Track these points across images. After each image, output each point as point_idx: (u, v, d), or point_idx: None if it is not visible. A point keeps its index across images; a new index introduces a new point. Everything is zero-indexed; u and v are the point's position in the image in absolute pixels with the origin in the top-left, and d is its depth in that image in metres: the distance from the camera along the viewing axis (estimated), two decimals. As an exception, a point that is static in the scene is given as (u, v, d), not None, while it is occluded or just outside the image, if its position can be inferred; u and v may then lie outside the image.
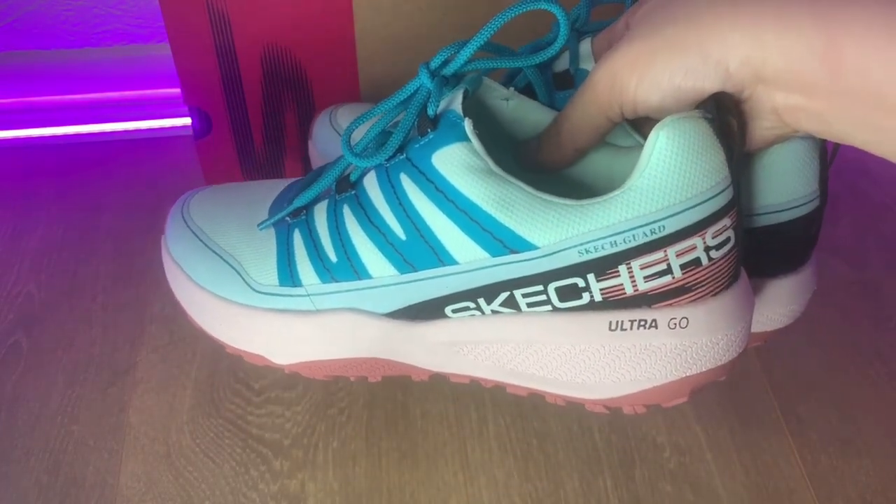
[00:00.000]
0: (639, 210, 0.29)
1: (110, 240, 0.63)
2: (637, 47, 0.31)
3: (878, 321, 0.58)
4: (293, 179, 0.44)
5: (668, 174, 0.29)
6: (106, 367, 0.55)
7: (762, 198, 0.36)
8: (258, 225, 0.39)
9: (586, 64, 0.39)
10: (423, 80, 0.34)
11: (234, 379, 0.54)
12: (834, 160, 0.40)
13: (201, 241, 0.41)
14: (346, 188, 0.36)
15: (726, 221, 0.31)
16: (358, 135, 0.45)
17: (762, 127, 0.31)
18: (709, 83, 0.29)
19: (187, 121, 0.68)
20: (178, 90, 0.52)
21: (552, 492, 0.48)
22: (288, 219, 0.39)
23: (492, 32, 0.33)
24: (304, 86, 0.51)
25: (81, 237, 0.63)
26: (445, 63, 0.34)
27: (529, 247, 0.31)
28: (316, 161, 0.52)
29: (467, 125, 0.32)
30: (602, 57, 0.33)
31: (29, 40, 0.70)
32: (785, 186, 0.37)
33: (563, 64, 0.40)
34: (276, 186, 0.44)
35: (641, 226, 0.30)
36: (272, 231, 0.39)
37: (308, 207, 0.38)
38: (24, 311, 0.58)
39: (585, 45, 0.39)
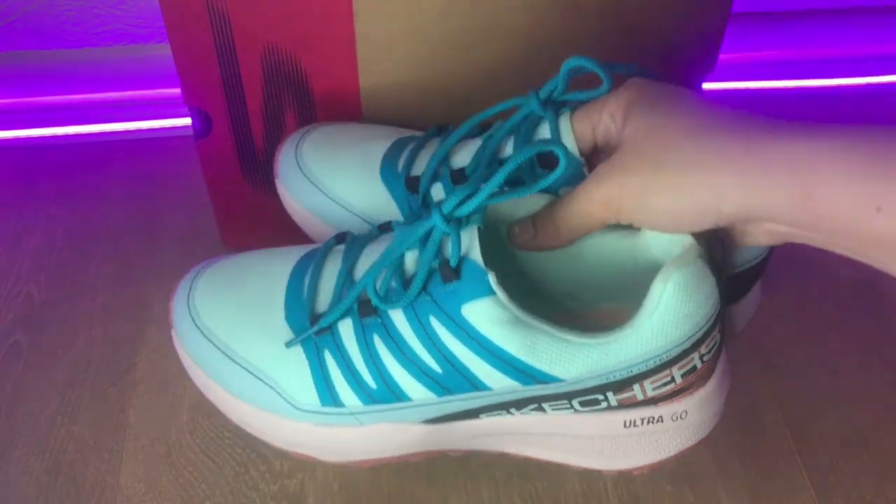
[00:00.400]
0: (651, 346, 0.35)
1: (111, 240, 0.63)
2: (633, 182, 0.35)
3: (878, 321, 0.58)
4: (297, 254, 0.43)
5: (675, 316, 0.35)
6: (106, 368, 0.55)
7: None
8: (286, 344, 0.40)
9: (566, 139, 0.41)
10: (437, 222, 0.36)
11: (235, 379, 0.54)
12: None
13: (224, 353, 0.41)
14: (370, 312, 0.38)
15: (716, 332, 0.37)
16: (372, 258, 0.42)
17: (750, 239, 0.36)
18: (703, 223, 0.34)
19: (187, 121, 0.68)
20: (178, 90, 0.52)
21: (552, 491, 0.48)
22: (314, 335, 0.40)
23: (506, 174, 0.36)
24: (304, 86, 0.51)
25: (81, 237, 0.63)
26: (459, 205, 0.36)
27: (556, 380, 0.36)
28: (289, 204, 0.50)
29: (492, 279, 0.35)
30: (597, 175, 0.36)
31: (29, 40, 0.70)
32: (746, 252, 0.44)
33: (544, 135, 0.42)
34: (277, 260, 0.43)
35: (652, 357, 0.36)
36: (300, 347, 0.40)
37: (332, 325, 0.39)
38: (24, 312, 0.58)
39: (564, 120, 0.41)
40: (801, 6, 0.78)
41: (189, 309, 0.43)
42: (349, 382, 0.39)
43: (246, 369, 0.41)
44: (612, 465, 0.41)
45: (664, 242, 0.37)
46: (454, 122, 0.54)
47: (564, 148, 0.35)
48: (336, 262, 0.41)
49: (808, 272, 0.61)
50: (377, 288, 0.38)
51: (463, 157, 0.45)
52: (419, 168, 0.46)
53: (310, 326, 0.40)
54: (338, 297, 0.39)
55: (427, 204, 0.43)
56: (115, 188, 0.66)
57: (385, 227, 0.42)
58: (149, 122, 0.71)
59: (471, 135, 0.46)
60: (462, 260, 0.36)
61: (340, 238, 0.43)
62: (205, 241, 0.62)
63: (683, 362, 0.36)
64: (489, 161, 0.42)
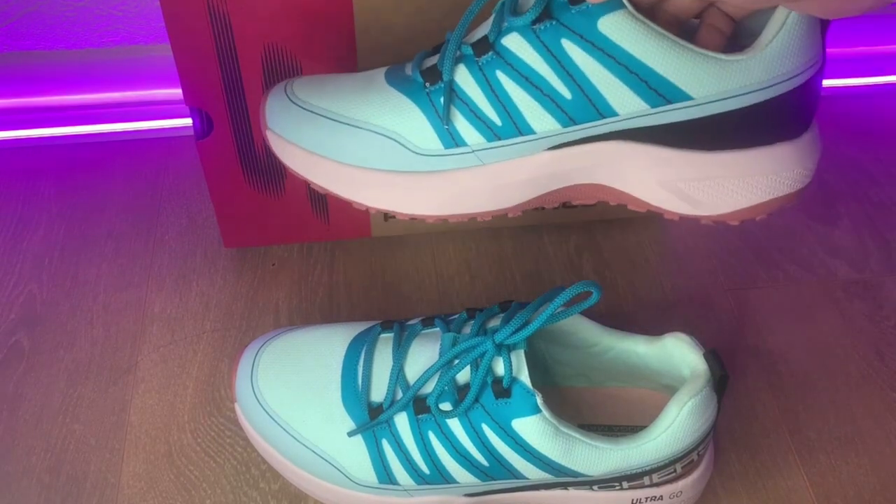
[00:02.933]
0: (662, 453, 0.42)
1: (111, 240, 0.63)
2: None
3: (878, 321, 0.58)
4: (346, 336, 0.48)
5: (684, 433, 0.42)
6: (107, 367, 0.55)
7: (767, 71, 0.39)
8: (348, 433, 0.45)
9: None
10: (489, 348, 0.41)
11: (235, 378, 0.54)
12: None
13: (288, 432, 0.46)
14: (424, 410, 0.43)
15: (710, 435, 0.44)
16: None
17: None
18: None
19: (188, 121, 0.68)
20: (178, 90, 0.52)
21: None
22: (370, 425, 0.44)
23: (554, 310, 0.41)
24: (305, 86, 0.52)
25: (83, 237, 0.63)
26: (511, 335, 0.41)
27: (584, 476, 0.43)
28: (286, 151, 0.46)
29: (539, 401, 0.41)
30: None
31: (30, 41, 0.70)
32: (792, 57, 0.39)
33: None
34: (328, 346, 0.47)
35: (663, 459, 0.43)
36: (360, 438, 0.45)
37: (390, 420, 0.44)
38: (25, 311, 0.58)
39: None
40: (800, 6, 0.78)
41: (253, 388, 0.47)
42: (404, 467, 0.44)
43: (309, 448, 0.45)
44: None
45: (678, 353, 0.45)
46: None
47: (598, 287, 0.40)
48: (385, 353, 0.46)
49: (808, 272, 0.61)
50: (430, 391, 0.43)
51: (481, 30, 0.41)
52: (430, 62, 0.43)
53: (367, 416, 0.44)
54: (392, 392, 0.44)
55: (454, 91, 0.41)
56: (115, 188, 0.66)
57: (428, 323, 0.46)
58: (149, 122, 0.71)
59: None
60: (513, 381, 0.42)
61: (386, 326, 0.47)
62: (205, 241, 0.63)
63: (685, 460, 0.44)
64: (512, 11, 0.39)
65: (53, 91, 0.72)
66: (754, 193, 0.42)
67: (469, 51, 0.40)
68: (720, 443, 0.51)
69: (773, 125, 0.41)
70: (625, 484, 0.44)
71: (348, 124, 0.43)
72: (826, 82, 0.76)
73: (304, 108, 0.44)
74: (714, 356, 0.43)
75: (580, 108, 0.39)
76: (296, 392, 0.46)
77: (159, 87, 0.72)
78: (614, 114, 0.39)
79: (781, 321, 0.58)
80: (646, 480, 0.44)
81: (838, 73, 0.77)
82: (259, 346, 0.48)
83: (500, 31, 0.39)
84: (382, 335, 0.47)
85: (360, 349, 0.47)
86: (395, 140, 0.42)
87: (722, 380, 0.43)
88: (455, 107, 0.41)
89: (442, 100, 0.41)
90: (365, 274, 0.60)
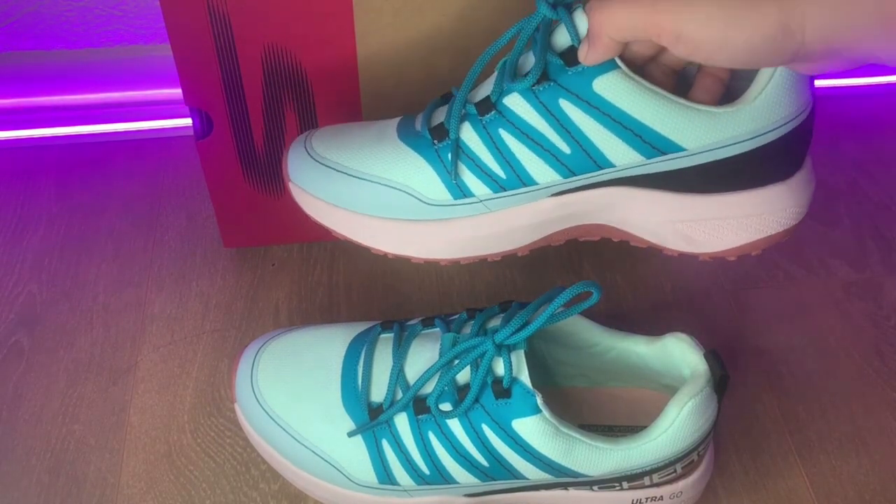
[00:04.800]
0: (663, 454, 0.42)
1: (111, 240, 0.63)
2: (706, 6, 0.34)
3: (878, 321, 0.58)
4: (346, 336, 0.48)
5: (684, 433, 0.42)
6: (107, 367, 0.55)
7: (757, 122, 0.41)
8: (348, 434, 0.45)
9: (584, 31, 0.40)
10: (489, 348, 0.41)
11: (235, 378, 0.54)
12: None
13: (288, 432, 0.46)
14: (424, 410, 0.43)
15: (710, 436, 0.44)
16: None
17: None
18: (781, 53, 0.34)
19: (188, 121, 0.68)
20: (178, 91, 0.52)
21: None
22: (370, 426, 0.44)
23: (554, 310, 0.41)
24: (304, 86, 0.52)
25: (82, 237, 0.63)
26: (511, 335, 0.41)
27: (584, 475, 0.43)
28: (307, 201, 0.49)
29: (539, 401, 0.41)
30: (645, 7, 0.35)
31: (30, 41, 0.70)
32: (781, 107, 0.41)
33: (564, 41, 0.40)
34: (328, 345, 0.48)
35: (663, 460, 0.43)
36: (360, 438, 0.45)
37: (389, 420, 0.44)
38: (25, 311, 0.58)
39: (580, 18, 0.39)
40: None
41: (253, 388, 0.47)
42: (404, 467, 0.44)
43: (309, 449, 0.45)
44: None
45: (678, 353, 0.44)
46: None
47: (598, 287, 0.40)
48: (385, 353, 0.46)
49: (808, 272, 0.61)
50: (430, 391, 0.43)
51: (484, 91, 0.44)
52: (437, 119, 0.45)
53: (367, 416, 0.44)
54: (392, 392, 0.44)
55: (460, 148, 0.44)
56: (115, 188, 0.66)
57: (428, 323, 0.47)
58: (149, 122, 0.71)
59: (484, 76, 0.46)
60: (513, 381, 0.42)
61: (386, 326, 0.48)
62: (205, 241, 0.62)
63: (686, 460, 0.44)
64: (512, 74, 0.42)
65: (53, 91, 0.72)
66: (748, 233, 0.44)
67: (473, 110, 0.43)
68: (720, 443, 0.51)
69: (765, 169, 0.42)
70: (625, 484, 0.44)
71: (364, 179, 0.46)
72: (826, 82, 0.76)
73: (323, 164, 0.47)
74: (714, 356, 0.43)
75: (579, 161, 0.41)
76: (296, 392, 0.46)
77: (159, 87, 0.72)
78: (611, 165, 0.41)
79: (781, 321, 0.58)
80: (646, 481, 0.44)
81: (838, 74, 0.77)
82: (259, 346, 0.48)
83: (501, 92, 0.42)
84: (382, 335, 0.47)
85: (360, 349, 0.47)
86: (408, 193, 0.45)
87: (722, 380, 0.43)
88: (462, 162, 0.43)
89: (450, 156, 0.43)
90: (365, 274, 0.60)
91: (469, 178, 0.44)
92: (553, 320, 0.42)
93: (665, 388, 0.47)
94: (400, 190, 0.45)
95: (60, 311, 0.58)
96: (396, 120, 0.48)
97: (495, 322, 0.44)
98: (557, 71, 0.39)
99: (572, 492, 0.46)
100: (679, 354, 0.45)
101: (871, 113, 0.74)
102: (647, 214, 0.44)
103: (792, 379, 0.55)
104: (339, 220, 0.47)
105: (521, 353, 0.42)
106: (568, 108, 0.39)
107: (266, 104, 0.53)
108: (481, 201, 0.44)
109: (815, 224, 0.64)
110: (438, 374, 0.43)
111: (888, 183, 0.68)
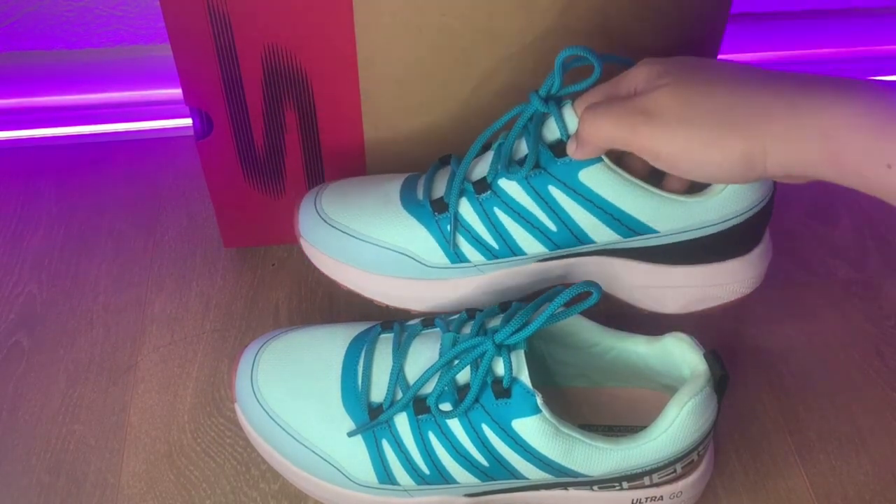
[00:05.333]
0: (663, 454, 0.42)
1: (111, 240, 0.63)
2: (682, 133, 0.38)
3: (878, 321, 0.58)
4: (346, 336, 0.48)
5: (685, 433, 0.42)
6: (107, 367, 0.55)
7: (722, 210, 0.46)
8: (348, 434, 0.45)
9: (573, 127, 0.44)
10: (489, 348, 0.42)
11: (235, 378, 0.54)
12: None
13: (287, 432, 0.46)
14: (424, 410, 0.43)
15: (710, 435, 0.45)
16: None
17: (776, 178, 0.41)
18: (749, 177, 0.39)
19: (188, 121, 0.68)
20: (178, 91, 0.52)
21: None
22: (370, 425, 0.44)
23: (554, 310, 0.41)
24: (304, 86, 0.52)
25: (82, 237, 0.63)
26: (511, 335, 0.42)
27: (584, 476, 0.43)
28: (317, 257, 0.54)
29: (539, 401, 0.41)
30: (639, 120, 0.39)
31: (30, 41, 0.70)
32: (745, 198, 0.47)
33: (554, 133, 0.45)
34: (329, 344, 0.48)
35: (663, 459, 0.43)
36: (360, 438, 0.45)
37: (389, 420, 0.44)
38: (25, 311, 0.58)
39: (569, 113, 0.44)
40: (801, 6, 0.78)
41: (253, 389, 0.47)
42: (404, 467, 0.44)
43: (309, 448, 0.45)
44: None
45: (678, 353, 0.45)
46: (454, 119, 0.54)
47: (599, 287, 0.41)
48: (385, 353, 0.46)
49: (807, 272, 0.61)
50: (430, 391, 0.43)
51: (481, 169, 0.48)
52: (438, 191, 0.50)
53: (367, 416, 0.44)
54: (392, 392, 0.44)
55: (458, 221, 0.49)
56: (115, 188, 0.66)
57: (428, 323, 0.47)
58: (149, 122, 0.71)
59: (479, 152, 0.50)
60: (513, 381, 0.42)
61: (386, 326, 0.48)
62: (205, 241, 0.62)
63: (686, 460, 0.44)
64: (507, 163, 0.46)
65: (53, 91, 0.72)
66: (710, 299, 0.51)
67: (471, 188, 0.48)
68: (720, 443, 0.51)
69: (727, 247, 0.49)
70: (625, 484, 0.44)
71: (369, 242, 0.51)
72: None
73: (331, 225, 0.52)
74: (714, 356, 0.43)
75: (563, 237, 0.46)
76: (296, 392, 0.46)
77: (159, 87, 0.72)
78: (592, 241, 0.46)
79: (781, 321, 0.58)
80: (646, 480, 0.44)
81: (838, 74, 0.77)
82: (259, 346, 0.48)
83: (496, 174, 0.47)
84: (382, 335, 0.47)
85: (359, 349, 0.47)
86: (409, 256, 0.50)
87: (722, 380, 0.43)
88: (459, 233, 0.48)
89: (449, 227, 0.48)
90: (365, 274, 0.60)
91: (465, 247, 0.49)
92: (553, 320, 0.42)
93: (665, 388, 0.47)
94: (402, 253, 0.50)
95: (61, 311, 0.58)
96: (400, 182, 0.52)
97: (495, 322, 0.44)
98: (548, 160, 0.44)
99: (572, 492, 0.46)
100: (679, 354, 0.45)
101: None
102: (621, 280, 0.50)
103: (792, 379, 0.55)
104: (345, 274, 0.53)
105: (521, 352, 0.42)
106: (556, 193, 0.44)
107: (266, 104, 0.53)
108: (476, 266, 0.50)
109: (815, 224, 0.64)
110: (438, 373, 0.43)
111: (888, 183, 0.68)
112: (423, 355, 0.45)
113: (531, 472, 0.43)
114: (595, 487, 0.45)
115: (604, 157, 0.44)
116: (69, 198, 0.66)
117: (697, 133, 0.38)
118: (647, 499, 0.45)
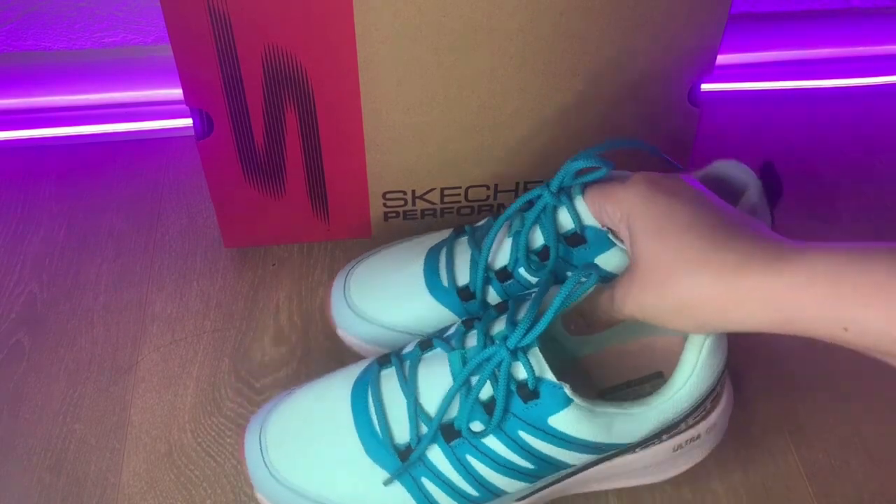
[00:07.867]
0: (695, 397, 0.43)
1: (111, 240, 0.63)
2: (648, 304, 0.40)
3: (878, 321, 0.58)
4: (347, 382, 0.46)
5: (708, 375, 0.42)
6: (108, 366, 0.55)
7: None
8: (384, 483, 0.43)
9: (588, 220, 0.46)
10: (504, 356, 0.41)
11: (236, 378, 0.54)
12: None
13: None
14: (455, 436, 0.42)
15: (727, 364, 0.45)
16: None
17: None
18: (713, 331, 0.41)
19: (188, 121, 0.68)
20: (178, 91, 0.52)
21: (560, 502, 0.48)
22: (404, 468, 0.43)
23: (560, 303, 0.40)
24: (305, 86, 0.52)
25: (83, 237, 0.63)
26: (522, 337, 0.41)
27: (623, 447, 0.44)
28: (350, 341, 0.54)
29: (568, 391, 0.40)
30: (620, 295, 0.41)
31: (31, 41, 0.71)
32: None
33: (567, 224, 0.47)
34: (331, 394, 0.46)
35: (696, 401, 0.43)
36: (396, 480, 0.43)
37: (422, 456, 0.43)
38: (26, 311, 0.58)
39: (579, 202, 0.46)
40: (801, 6, 0.78)
41: (270, 472, 0.45)
42: (451, 496, 0.43)
43: None
44: (661, 478, 0.48)
45: None
46: (454, 119, 0.54)
47: (595, 272, 0.41)
48: (393, 390, 0.44)
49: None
50: (455, 415, 0.42)
51: (501, 258, 0.49)
52: (461, 276, 0.50)
53: (398, 460, 0.43)
54: (415, 428, 0.43)
55: (486, 305, 0.49)
56: (116, 188, 0.66)
57: (426, 345, 0.45)
58: (150, 122, 0.71)
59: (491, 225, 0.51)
60: (538, 381, 0.41)
61: (383, 361, 0.46)
62: (205, 241, 0.63)
63: (713, 395, 0.44)
64: (526, 254, 0.48)
65: (53, 91, 0.72)
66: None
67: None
68: (720, 444, 0.51)
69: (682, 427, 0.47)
70: (664, 436, 0.44)
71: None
72: (826, 82, 0.76)
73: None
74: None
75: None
76: (316, 462, 0.44)
77: (159, 87, 0.72)
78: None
79: (781, 321, 0.58)
80: (682, 426, 0.44)
81: (838, 74, 0.77)
82: (259, 426, 0.47)
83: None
84: (383, 372, 0.45)
85: (364, 394, 0.45)
86: None
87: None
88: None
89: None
90: (365, 274, 0.60)
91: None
92: (563, 306, 0.41)
93: (665, 331, 0.46)
94: None
95: (61, 310, 0.58)
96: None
97: (499, 326, 0.43)
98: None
99: (616, 460, 0.45)
100: None
101: (870, 113, 0.74)
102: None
103: (792, 379, 0.55)
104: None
105: (537, 350, 0.41)
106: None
107: (266, 104, 0.53)
108: None
109: (815, 224, 0.64)
110: (458, 396, 0.42)
111: (888, 183, 0.68)
112: (434, 380, 0.43)
113: (576, 459, 0.43)
114: (637, 449, 0.45)
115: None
116: (69, 198, 0.66)
117: (663, 301, 0.39)
118: (686, 441, 0.45)
